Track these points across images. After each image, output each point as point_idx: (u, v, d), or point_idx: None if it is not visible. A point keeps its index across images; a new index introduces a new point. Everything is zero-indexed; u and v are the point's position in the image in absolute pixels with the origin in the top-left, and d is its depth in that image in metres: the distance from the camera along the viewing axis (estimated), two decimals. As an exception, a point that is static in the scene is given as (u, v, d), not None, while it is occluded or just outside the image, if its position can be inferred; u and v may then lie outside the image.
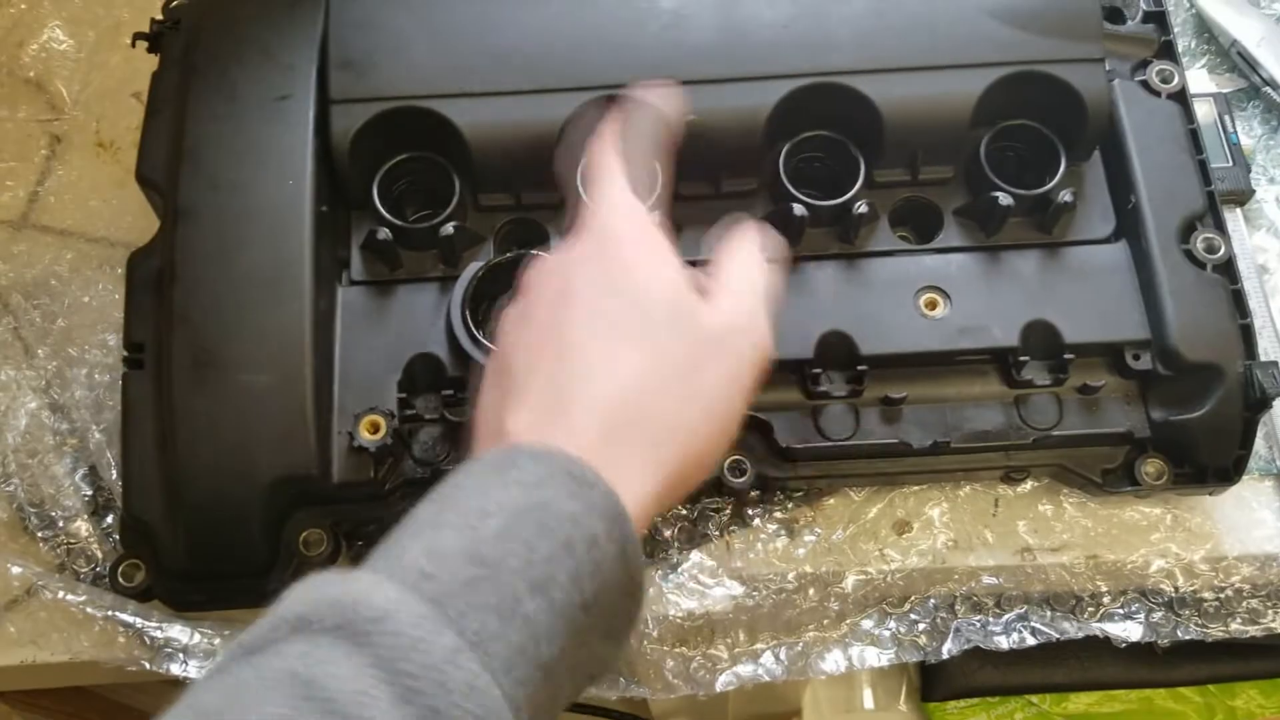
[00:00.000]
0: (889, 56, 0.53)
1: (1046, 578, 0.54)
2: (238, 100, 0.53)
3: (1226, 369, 0.51)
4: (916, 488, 0.56)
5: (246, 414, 0.48)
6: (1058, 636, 0.54)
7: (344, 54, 0.53)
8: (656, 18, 0.54)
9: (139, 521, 0.49)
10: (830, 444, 0.52)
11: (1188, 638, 0.54)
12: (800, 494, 0.55)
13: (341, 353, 0.51)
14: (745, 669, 0.53)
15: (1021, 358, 0.52)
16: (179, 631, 0.51)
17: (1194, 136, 0.56)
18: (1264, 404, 0.51)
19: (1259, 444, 0.56)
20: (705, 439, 0.39)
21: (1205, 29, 0.68)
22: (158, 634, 0.50)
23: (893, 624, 0.54)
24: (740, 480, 0.51)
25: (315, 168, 0.51)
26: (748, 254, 0.43)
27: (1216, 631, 0.54)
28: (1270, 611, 0.55)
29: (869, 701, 0.71)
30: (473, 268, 0.52)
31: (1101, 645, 0.55)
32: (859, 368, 0.51)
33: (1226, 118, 0.62)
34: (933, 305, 0.53)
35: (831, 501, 0.55)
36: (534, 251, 0.52)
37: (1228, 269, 0.53)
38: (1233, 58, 0.67)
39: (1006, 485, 0.56)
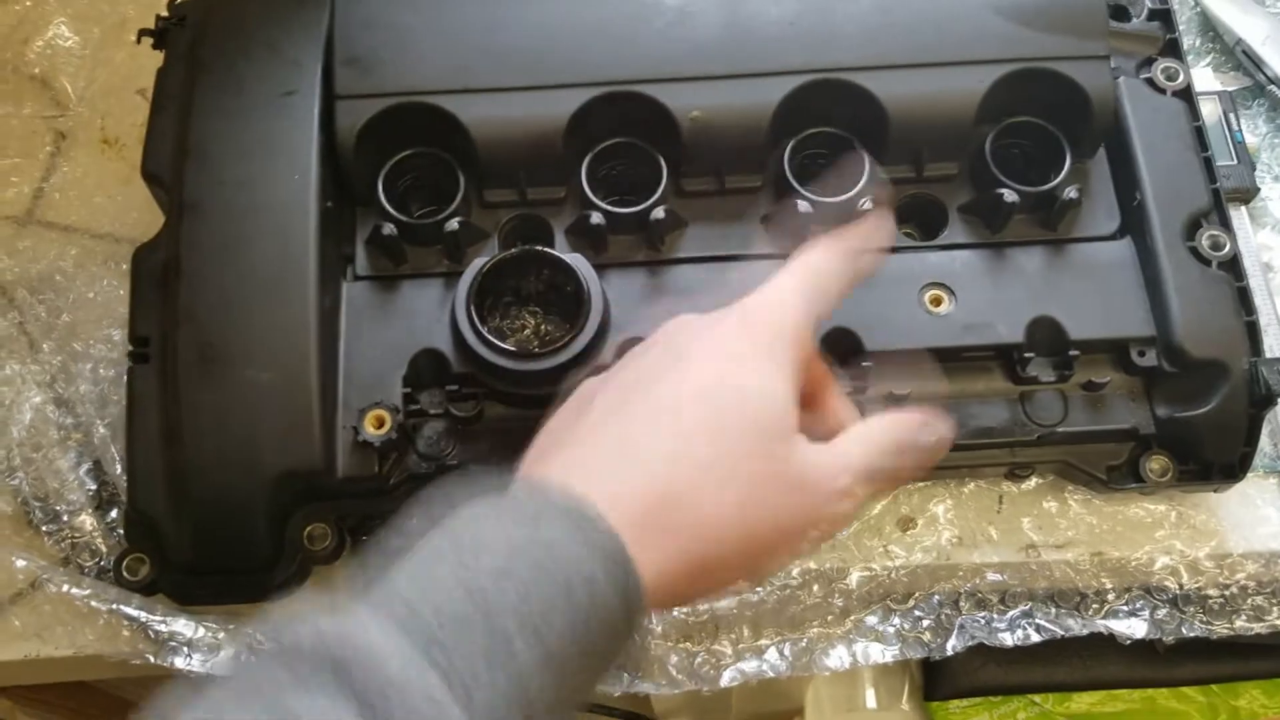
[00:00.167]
0: (894, 53, 0.53)
1: (1051, 574, 0.54)
2: (243, 96, 0.53)
3: (1231, 366, 0.51)
4: (921, 484, 0.56)
5: (251, 409, 0.48)
6: (1062, 634, 0.54)
7: (349, 50, 0.53)
8: (661, 14, 0.54)
9: (144, 515, 0.49)
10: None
11: (1192, 635, 0.54)
12: (804, 491, 0.55)
13: (346, 348, 0.51)
14: (749, 665, 0.53)
15: (1026, 354, 0.52)
16: (183, 625, 0.51)
17: (1199, 134, 0.56)
18: (1269, 401, 0.51)
19: (1264, 441, 0.56)
20: (737, 559, 0.36)
21: (1210, 27, 0.68)
22: (162, 628, 0.50)
23: (897, 620, 0.54)
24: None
25: (320, 163, 0.51)
26: (880, 432, 0.39)
27: (1221, 629, 0.54)
28: (1275, 609, 0.55)
29: (871, 700, 0.71)
30: (477, 263, 0.52)
31: (1104, 644, 0.55)
32: (863, 364, 0.51)
33: (1231, 116, 0.62)
34: (937, 302, 0.53)
35: (835, 499, 0.55)
36: (539, 248, 0.52)
37: (1233, 266, 0.53)
38: (1237, 56, 0.67)
39: (1011, 482, 0.56)
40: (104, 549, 0.54)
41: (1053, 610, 0.54)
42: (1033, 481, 0.56)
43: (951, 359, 0.53)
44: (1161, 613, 0.54)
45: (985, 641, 0.54)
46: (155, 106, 0.55)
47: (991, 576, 0.54)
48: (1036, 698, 0.70)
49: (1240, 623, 0.54)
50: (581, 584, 0.32)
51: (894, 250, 0.54)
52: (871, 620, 0.54)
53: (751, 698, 0.73)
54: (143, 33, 0.58)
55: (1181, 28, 0.59)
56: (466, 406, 0.51)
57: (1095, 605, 0.54)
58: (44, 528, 0.54)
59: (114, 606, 0.50)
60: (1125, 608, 0.54)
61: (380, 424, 0.49)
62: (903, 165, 0.55)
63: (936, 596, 0.54)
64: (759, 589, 0.53)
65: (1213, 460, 0.52)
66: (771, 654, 0.53)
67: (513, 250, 0.52)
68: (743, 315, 0.39)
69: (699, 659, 0.53)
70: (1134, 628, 0.54)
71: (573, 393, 0.41)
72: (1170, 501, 0.55)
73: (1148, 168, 0.55)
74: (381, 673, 0.29)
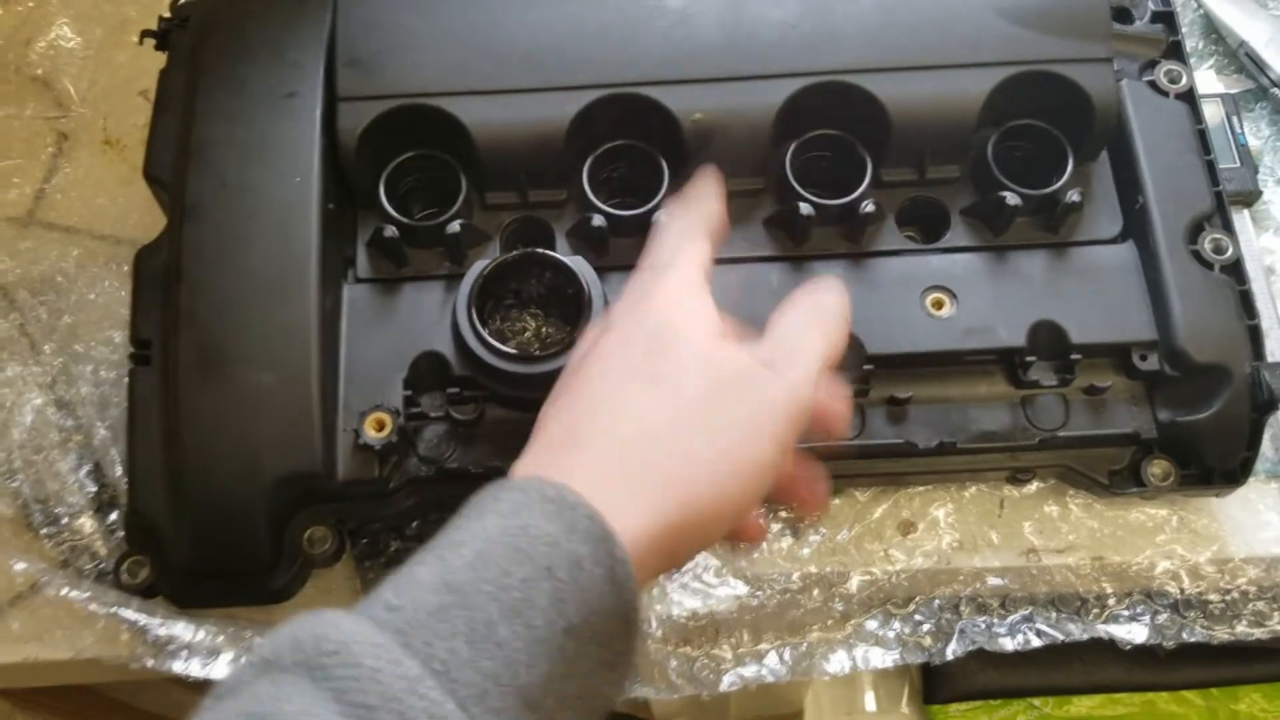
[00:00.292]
0: (896, 55, 0.53)
1: (1052, 579, 0.54)
2: (245, 98, 0.53)
3: (1234, 370, 0.51)
4: (922, 488, 0.56)
5: (252, 411, 0.48)
6: (1063, 638, 0.54)
7: (352, 52, 0.53)
8: (664, 16, 0.54)
9: (143, 518, 0.49)
10: (835, 444, 0.52)
11: (1193, 640, 0.54)
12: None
13: (347, 350, 0.51)
14: (749, 670, 0.52)
15: (1028, 358, 0.52)
16: (183, 629, 0.50)
17: (1202, 137, 0.56)
18: (1271, 405, 0.51)
19: (1266, 445, 0.56)
20: (720, 483, 0.36)
21: (1213, 29, 0.68)
22: (161, 631, 0.50)
23: (897, 625, 0.54)
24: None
25: (322, 165, 0.51)
26: (798, 307, 0.41)
27: (1222, 634, 0.54)
28: (1276, 614, 0.54)
29: (871, 704, 0.71)
30: (479, 266, 0.51)
31: (1103, 648, 0.55)
32: (865, 367, 0.51)
33: (1234, 118, 0.62)
34: (939, 305, 0.53)
35: (836, 502, 0.55)
36: (540, 250, 0.52)
37: (1235, 270, 0.53)
38: (1240, 58, 0.66)
39: (1012, 486, 0.56)
40: (104, 552, 0.54)
41: (1053, 615, 0.54)
42: (1034, 485, 0.56)
43: (953, 362, 0.53)
44: (1162, 618, 0.54)
45: (986, 646, 0.53)
46: (157, 108, 0.55)
47: (992, 581, 0.54)
48: (1036, 701, 0.69)
49: (1241, 628, 0.54)
50: (564, 564, 0.32)
51: (895, 253, 0.54)
52: (872, 625, 0.54)
53: (751, 701, 0.72)
54: (145, 34, 0.58)
55: (1184, 30, 0.59)
56: (467, 409, 0.51)
57: (1096, 610, 0.54)
58: (43, 530, 0.54)
59: (113, 610, 0.50)
60: (1126, 612, 0.54)
61: (381, 427, 0.49)
62: (905, 168, 0.55)
63: (937, 601, 0.54)
64: (758, 594, 0.53)
65: (1214, 465, 0.52)
66: (771, 659, 0.53)
67: (514, 253, 0.52)
68: (640, 290, 0.41)
69: (698, 663, 0.53)
70: (1135, 633, 0.54)
71: None
72: (1171, 506, 0.55)
73: (1150, 171, 0.54)
74: (355, 666, 0.29)
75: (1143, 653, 0.55)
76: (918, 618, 0.54)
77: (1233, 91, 0.65)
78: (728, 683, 0.52)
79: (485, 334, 0.50)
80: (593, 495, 0.34)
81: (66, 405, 0.57)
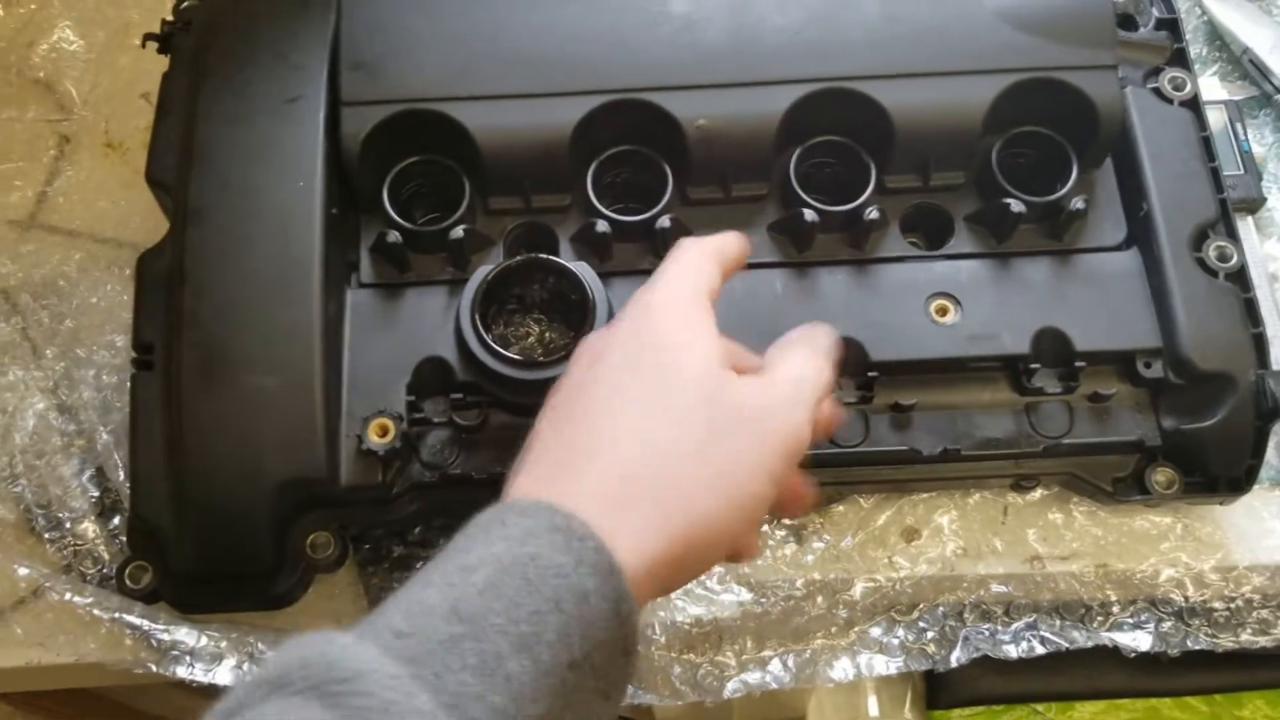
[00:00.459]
0: (901, 62, 0.53)
1: (1056, 586, 0.54)
2: (248, 101, 0.53)
3: (1238, 378, 0.51)
4: (925, 495, 0.55)
5: (255, 416, 0.48)
6: (1067, 645, 0.54)
7: (355, 56, 0.53)
8: (668, 22, 0.54)
9: (146, 523, 0.49)
10: (840, 450, 0.52)
11: (1198, 648, 0.54)
12: (810, 500, 0.55)
13: (350, 355, 0.51)
14: (753, 676, 0.52)
15: (1032, 365, 0.52)
16: (186, 634, 0.50)
17: (1206, 144, 0.55)
18: (1276, 413, 0.51)
19: (1270, 453, 0.55)
20: (717, 513, 0.37)
21: (1217, 36, 0.68)
22: (165, 636, 0.50)
23: (901, 632, 0.54)
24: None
25: (325, 170, 0.51)
26: (795, 345, 0.42)
27: (1226, 642, 0.54)
28: (1280, 622, 0.55)
29: (874, 709, 0.71)
30: (482, 271, 0.51)
31: (1107, 654, 0.55)
32: (869, 374, 0.51)
33: (1238, 125, 0.62)
34: (943, 312, 0.53)
35: (840, 508, 0.55)
36: (544, 256, 0.52)
37: (1240, 277, 0.53)
38: (1244, 65, 0.66)
39: (1016, 493, 0.56)
40: (106, 556, 0.54)
41: (1057, 622, 0.54)
42: (1038, 493, 0.56)
43: (957, 369, 0.53)
44: (1166, 625, 0.54)
45: (990, 653, 0.53)
46: (160, 111, 0.55)
47: (996, 588, 0.54)
48: (1039, 707, 0.69)
49: (1246, 636, 0.54)
50: (571, 598, 0.32)
51: (899, 259, 0.54)
52: (876, 632, 0.53)
53: (753, 707, 0.72)
54: (147, 37, 0.57)
55: (1188, 36, 0.59)
56: (470, 415, 0.51)
57: (1100, 617, 0.54)
58: (46, 535, 0.54)
59: (116, 615, 0.50)
60: (1130, 620, 0.54)
61: (384, 432, 0.49)
62: (909, 174, 0.55)
63: (941, 608, 0.54)
64: (762, 601, 0.52)
65: (1219, 473, 0.52)
66: (775, 665, 0.53)
67: (518, 258, 0.52)
68: (644, 304, 0.41)
69: (702, 670, 0.52)
70: (1139, 640, 0.54)
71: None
72: (1176, 514, 0.55)
73: (1155, 178, 0.54)
74: (368, 696, 0.29)
75: (1146, 659, 0.55)
76: (922, 625, 0.54)
77: (1236, 98, 0.65)
78: (731, 689, 0.52)
79: (489, 339, 0.50)
80: (597, 523, 0.34)
81: (69, 410, 0.57)
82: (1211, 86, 0.65)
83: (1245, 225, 0.60)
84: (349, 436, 0.49)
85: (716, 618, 0.52)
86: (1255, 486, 0.52)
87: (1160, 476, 0.52)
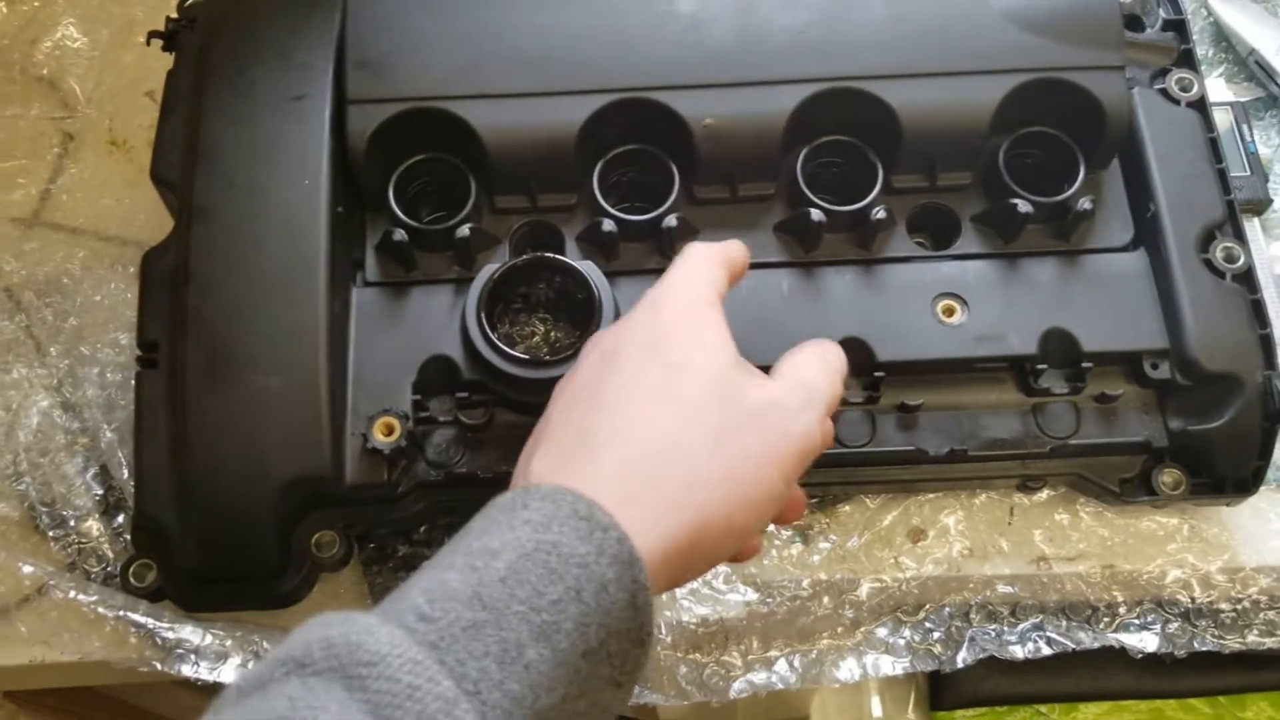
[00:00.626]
0: (908, 62, 0.53)
1: (1062, 587, 0.54)
2: (254, 100, 0.53)
3: (1246, 379, 0.51)
4: (932, 495, 0.55)
5: (260, 415, 0.48)
6: (1073, 647, 0.54)
7: (361, 54, 0.53)
8: (675, 21, 0.53)
9: (151, 521, 0.49)
10: (846, 450, 0.52)
11: (1204, 649, 0.54)
12: (815, 500, 0.55)
13: (356, 354, 0.51)
14: (759, 676, 0.52)
15: (1039, 366, 0.51)
16: (190, 632, 0.50)
17: (1213, 145, 0.55)
18: (1283, 414, 0.51)
19: (1277, 454, 0.55)
20: (729, 508, 0.37)
21: (1223, 37, 0.68)
22: (169, 635, 0.50)
23: (907, 632, 0.54)
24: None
25: (331, 168, 0.51)
26: (810, 354, 0.43)
27: (1233, 643, 0.54)
28: (1287, 623, 0.54)
29: (877, 709, 0.70)
30: (488, 270, 0.51)
31: (1111, 655, 0.55)
32: (876, 374, 0.51)
33: (1244, 126, 0.62)
34: (950, 312, 0.52)
35: (847, 508, 0.55)
36: (550, 255, 0.52)
37: (1247, 278, 0.53)
38: (1250, 66, 0.66)
39: (1022, 494, 0.56)
40: (111, 555, 0.54)
41: (1064, 623, 0.54)
42: (1044, 493, 0.55)
43: (963, 370, 0.52)
44: (1173, 626, 0.54)
45: (996, 654, 0.53)
46: (165, 109, 0.55)
47: (1002, 589, 0.54)
48: (1043, 708, 0.69)
49: (1253, 637, 0.54)
50: (591, 588, 0.33)
51: (906, 260, 0.54)
52: (882, 632, 0.53)
53: (757, 707, 0.72)
54: (152, 35, 0.57)
55: (1194, 38, 0.59)
56: (476, 414, 0.51)
57: (1106, 618, 0.54)
58: (50, 533, 0.54)
59: (120, 613, 0.50)
60: (1137, 621, 0.54)
61: (390, 431, 0.49)
62: (916, 174, 0.55)
63: (947, 608, 0.54)
64: (768, 600, 0.52)
65: (1226, 474, 0.52)
66: (781, 666, 0.53)
67: (524, 257, 0.52)
68: (655, 301, 0.41)
69: (708, 670, 0.52)
70: (1145, 641, 0.54)
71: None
72: (1182, 515, 0.55)
73: (1162, 179, 0.54)
74: (392, 680, 0.29)
75: (1150, 660, 0.55)
76: (928, 625, 0.54)
77: (1242, 99, 0.65)
78: (737, 689, 0.52)
79: (495, 338, 0.50)
80: (616, 511, 0.34)
81: (73, 407, 0.57)
82: (1217, 88, 0.65)
83: (1252, 226, 0.60)
84: (354, 435, 0.49)
85: (722, 618, 0.52)
86: (1262, 488, 0.52)
87: (1167, 478, 0.52)
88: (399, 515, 0.51)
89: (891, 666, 0.53)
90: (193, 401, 0.48)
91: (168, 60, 0.57)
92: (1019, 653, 0.53)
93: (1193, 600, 0.54)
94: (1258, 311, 0.52)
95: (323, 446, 0.48)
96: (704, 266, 0.43)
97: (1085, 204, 0.53)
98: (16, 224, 0.62)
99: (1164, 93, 0.57)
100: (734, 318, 0.42)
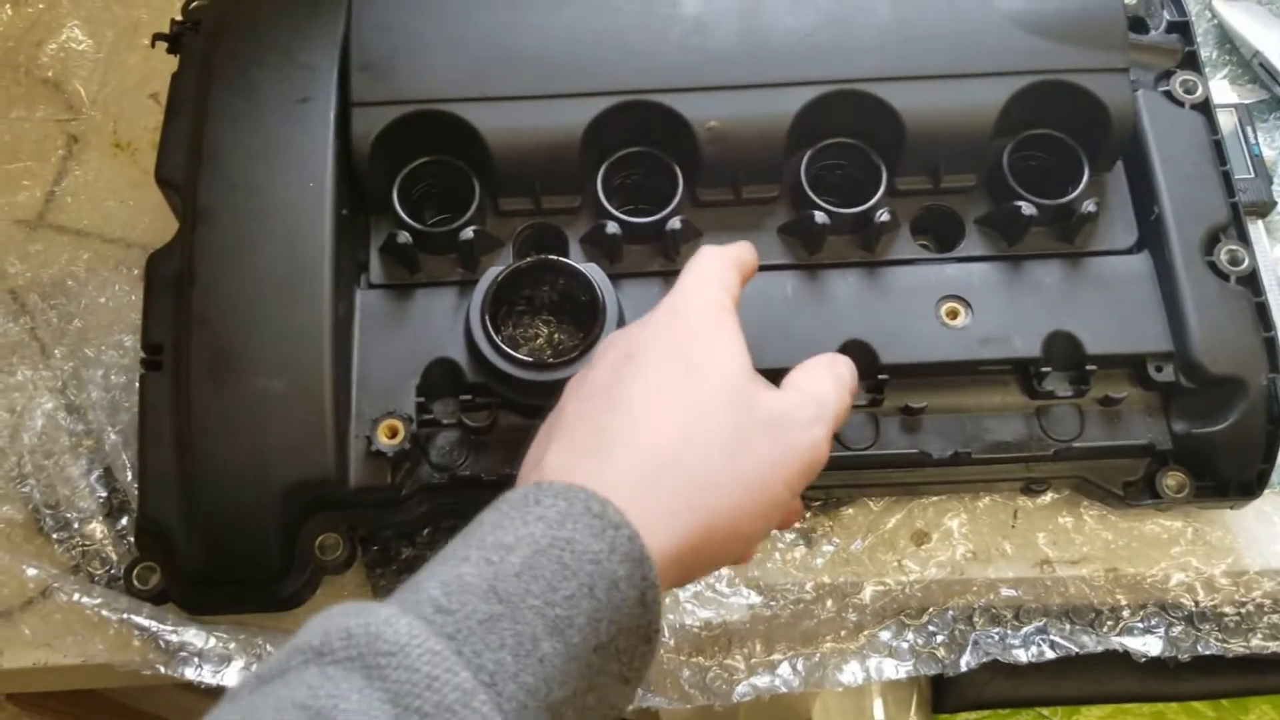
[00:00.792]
0: (912, 64, 0.53)
1: (1066, 590, 0.54)
2: (258, 102, 0.53)
3: (1250, 382, 0.51)
4: (935, 498, 0.55)
5: (264, 417, 0.48)
6: (1077, 650, 0.53)
7: (365, 57, 0.53)
8: (679, 23, 0.53)
9: (155, 524, 0.49)
10: (850, 453, 0.52)
11: (1208, 653, 0.54)
12: (818, 503, 0.55)
13: (360, 356, 0.51)
14: (762, 680, 0.52)
15: (1043, 368, 0.51)
16: (194, 635, 0.50)
17: (1218, 147, 0.55)
18: (1288, 418, 0.51)
19: (1281, 458, 0.55)
20: (737, 513, 0.38)
21: (1227, 40, 0.68)
22: (173, 637, 0.50)
23: (911, 636, 0.53)
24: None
25: (335, 170, 0.51)
26: (822, 368, 0.43)
27: (1237, 647, 0.54)
28: (1291, 627, 0.54)
29: (879, 712, 0.70)
30: (492, 272, 0.51)
31: (1113, 658, 0.55)
32: (879, 377, 0.51)
33: (1249, 129, 0.62)
34: (954, 314, 0.52)
35: (850, 511, 0.55)
36: (554, 257, 0.52)
37: (1251, 281, 0.53)
38: (1254, 69, 0.66)
39: (1026, 497, 0.55)
40: (114, 557, 0.54)
41: (1067, 626, 0.54)
42: (1048, 496, 0.55)
43: (967, 372, 0.52)
44: (1177, 630, 0.54)
45: (999, 658, 0.53)
46: (169, 111, 0.55)
47: (1006, 592, 0.54)
48: (1045, 711, 0.69)
49: (1256, 641, 0.54)
50: (603, 584, 0.33)
51: (910, 262, 0.54)
52: (885, 636, 0.53)
53: (759, 710, 0.72)
54: (156, 37, 0.57)
55: (1198, 40, 0.59)
56: (480, 416, 0.51)
57: (1110, 622, 0.54)
58: (54, 535, 0.54)
59: (124, 616, 0.50)
60: (1140, 625, 0.54)
61: (393, 434, 0.49)
62: (920, 176, 0.55)
63: (950, 612, 0.54)
64: (772, 604, 0.52)
65: (1230, 477, 0.52)
66: (784, 669, 0.53)
67: (528, 259, 0.52)
68: (672, 306, 0.42)
69: (711, 674, 0.52)
70: (1149, 645, 0.54)
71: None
72: (1186, 518, 0.55)
73: (1166, 181, 0.54)
74: (412, 670, 0.30)
75: (1153, 663, 0.55)
76: (931, 628, 0.54)
77: (1246, 101, 0.65)
78: (740, 693, 0.52)
79: (499, 340, 0.50)
80: (628, 509, 0.35)
81: (77, 410, 0.57)
82: (1222, 90, 0.65)
83: (1256, 229, 0.60)
84: (358, 438, 0.49)
85: (726, 621, 0.52)
86: (1266, 491, 0.52)
87: (1171, 480, 0.52)
88: (402, 518, 0.51)
89: (895, 670, 0.53)
90: (197, 404, 0.48)
91: (172, 62, 0.57)
92: (1022, 656, 0.53)
93: (1196, 604, 0.54)
94: (1262, 314, 0.52)
95: (326, 449, 0.48)
96: (718, 270, 0.43)
97: (1089, 206, 0.53)
98: (21, 226, 0.62)
99: (1168, 95, 0.57)
100: (739, 320, 0.43)
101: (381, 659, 0.30)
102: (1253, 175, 0.61)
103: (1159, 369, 0.52)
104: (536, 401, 0.50)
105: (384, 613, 0.31)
